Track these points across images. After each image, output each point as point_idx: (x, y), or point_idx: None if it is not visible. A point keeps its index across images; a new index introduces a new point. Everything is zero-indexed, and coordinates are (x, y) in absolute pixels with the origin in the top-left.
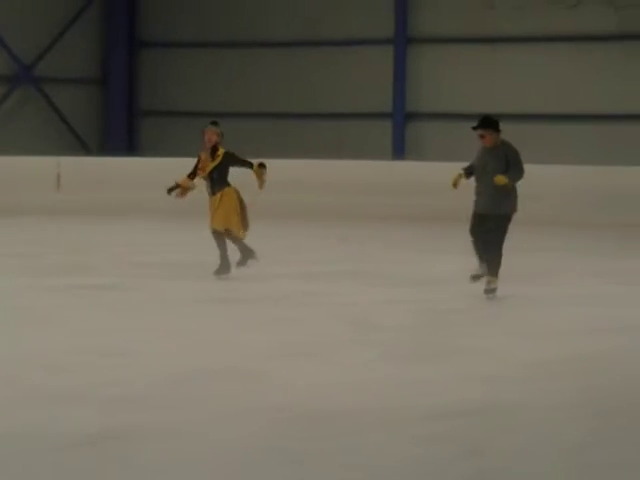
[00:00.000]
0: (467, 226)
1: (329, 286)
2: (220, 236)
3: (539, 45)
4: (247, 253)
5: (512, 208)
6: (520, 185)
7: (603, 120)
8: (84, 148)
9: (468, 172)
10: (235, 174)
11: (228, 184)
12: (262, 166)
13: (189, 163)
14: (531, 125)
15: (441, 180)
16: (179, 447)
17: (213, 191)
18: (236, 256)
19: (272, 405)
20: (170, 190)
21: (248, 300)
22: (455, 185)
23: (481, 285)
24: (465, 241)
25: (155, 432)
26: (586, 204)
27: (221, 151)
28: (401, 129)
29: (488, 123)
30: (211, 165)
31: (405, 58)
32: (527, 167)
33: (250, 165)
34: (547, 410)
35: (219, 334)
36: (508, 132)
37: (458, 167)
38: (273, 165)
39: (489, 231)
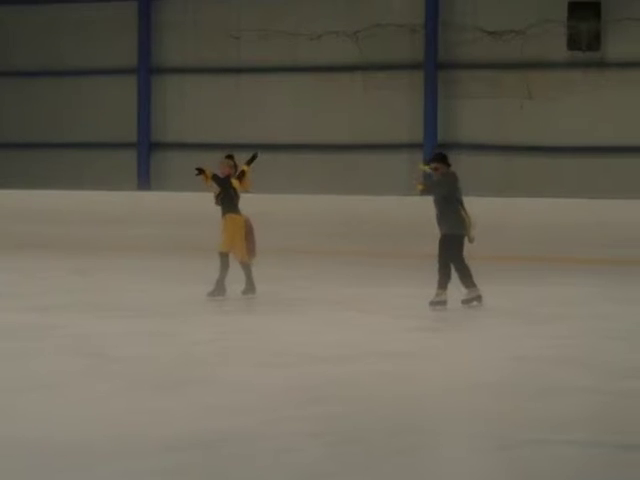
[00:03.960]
0: (210, 255)
1: (63, 318)
2: (224, 259)
3: (282, 75)
4: (250, 287)
5: (462, 230)
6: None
7: (343, 150)
8: None
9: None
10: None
11: (236, 211)
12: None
13: None
14: (274, 155)
15: (185, 210)
16: None
17: (222, 214)
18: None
19: (7, 438)
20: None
21: None
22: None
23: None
24: (207, 269)
25: None
26: (323, 232)
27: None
28: (146, 159)
29: (440, 157)
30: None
31: (149, 88)
32: (263, 197)
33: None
34: (284, 438)
35: None
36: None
37: (203, 197)
38: (13, 196)
39: (447, 253)
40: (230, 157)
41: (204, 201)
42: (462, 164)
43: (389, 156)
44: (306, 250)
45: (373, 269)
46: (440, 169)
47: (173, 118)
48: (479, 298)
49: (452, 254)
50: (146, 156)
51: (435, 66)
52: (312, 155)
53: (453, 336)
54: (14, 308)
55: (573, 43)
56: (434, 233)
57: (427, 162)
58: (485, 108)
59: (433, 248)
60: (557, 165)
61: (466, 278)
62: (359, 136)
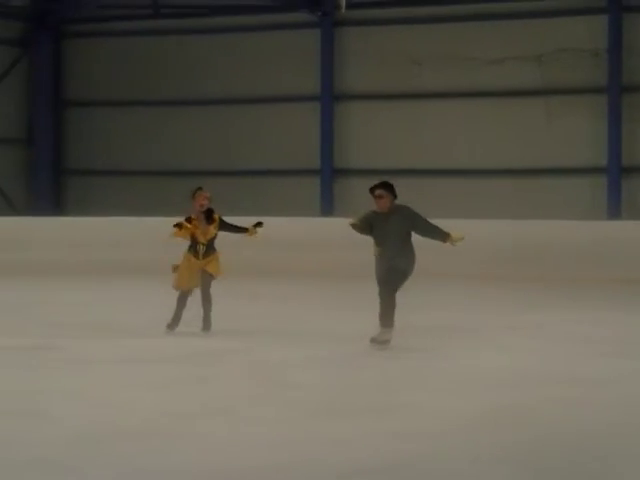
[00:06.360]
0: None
1: (243, 343)
2: (185, 296)
3: (464, 100)
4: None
5: (410, 267)
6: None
7: (527, 175)
8: (10, 207)
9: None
10: None
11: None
12: (259, 225)
13: (115, 222)
14: (456, 180)
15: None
16: None
17: (205, 255)
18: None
19: (188, 465)
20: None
21: (164, 359)
22: None
23: (399, 342)
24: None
25: None
26: (502, 257)
27: (217, 217)
28: (329, 185)
29: (388, 186)
30: (213, 232)
31: (332, 114)
32: (453, 222)
33: (245, 230)
34: (465, 464)
35: (133, 393)
36: (435, 187)
37: None
38: None
39: (393, 287)
40: (200, 189)
41: None
42: None
43: (571, 180)
44: (486, 276)
45: (550, 294)
46: (385, 198)
47: (356, 144)
48: (388, 342)
49: (393, 289)
50: (329, 182)
51: (619, 90)
52: (494, 180)
53: (631, 362)
54: (194, 333)
55: None
56: (618, 257)
57: (371, 188)
58: None
59: (616, 273)
60: None
61: (389, 317)
62: (541, 160)
